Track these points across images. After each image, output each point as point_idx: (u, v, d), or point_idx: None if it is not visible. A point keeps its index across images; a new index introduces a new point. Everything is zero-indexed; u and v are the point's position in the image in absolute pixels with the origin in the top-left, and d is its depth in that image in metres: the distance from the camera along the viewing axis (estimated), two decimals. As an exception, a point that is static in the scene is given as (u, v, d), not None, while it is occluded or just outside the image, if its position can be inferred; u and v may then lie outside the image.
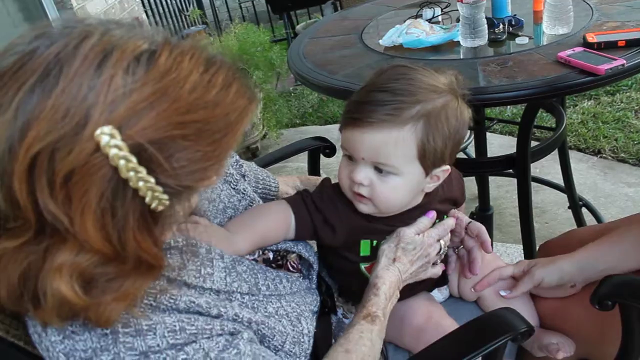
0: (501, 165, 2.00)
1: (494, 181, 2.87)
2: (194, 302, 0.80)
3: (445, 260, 1.21)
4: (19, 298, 0.67)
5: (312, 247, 1.14)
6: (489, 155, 2.45)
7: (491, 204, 2.29)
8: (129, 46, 0.63)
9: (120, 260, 0.66)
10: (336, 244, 1.08)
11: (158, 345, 0.73)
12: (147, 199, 0.64)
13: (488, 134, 2.66)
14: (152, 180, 0.63)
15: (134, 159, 0.61)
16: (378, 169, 0.99)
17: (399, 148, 0.97)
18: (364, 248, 1.09)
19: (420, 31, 1.83)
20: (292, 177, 1.34)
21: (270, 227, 1.04)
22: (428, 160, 0.99)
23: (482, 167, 2.07)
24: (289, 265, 1.08)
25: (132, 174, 0.61)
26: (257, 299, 0.92)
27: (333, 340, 1.07)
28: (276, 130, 3.59)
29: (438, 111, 0.97)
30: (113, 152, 0.60)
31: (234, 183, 1.10)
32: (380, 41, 1.87)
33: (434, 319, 1.14)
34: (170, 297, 0.78)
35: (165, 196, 0.65)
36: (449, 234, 1.13)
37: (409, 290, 1.12)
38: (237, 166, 1.15)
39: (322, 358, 0.95)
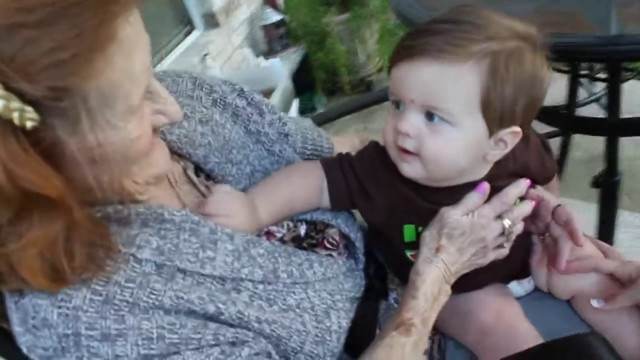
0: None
1: (631, 140, 2.48)
2: (182, 298, 0.68)
3: (527, 248, 0.99)
4: None
5: (355, 221, 0.96)
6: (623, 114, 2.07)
7: (623, 165, 1.93)
8: None
9: (11, 196, 0.55)
10: (377, 221, 0.91)
11: (127, 355, 0.63)
12: (5, 111, 0.52)
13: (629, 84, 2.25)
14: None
15: None
16: (429, 116, 0.79)
17: (458, 88, 0.76)
18: (408, 233, 0.90)
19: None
20: (351, 136, 1.15)
21: (297, 192, 0.88)
22: (493, 113, 0.77)
23: (614, 129, 1.73)
24: (326, 243, 0.91)
25: None
26: (275, 288, 0.79)
27: (377, 330, 0.92)
28: (393, 63, 3.36)
29: (509, 53, 0.75)
30: None
31: (268, 144, 0.95)
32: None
33: (505, 319, 0.94)
34: (152, 292, 0.67)
35: (29, 107, 0.54)
36: (518, 210, 0.89)
37: (471, 280, 0.92)
38: (280, 124, 0.98)
39: (361, 349, 0.81)
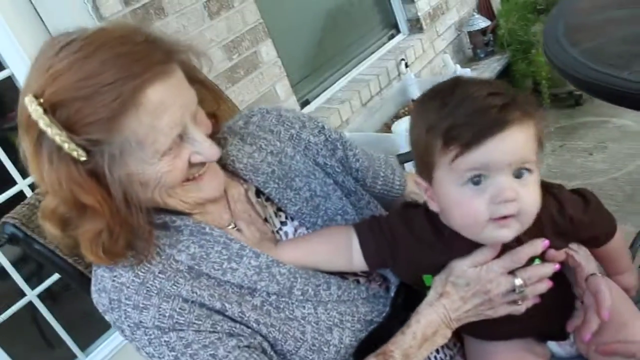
0: None
1: None
2: (196, 292, 0.88)
3: (569, 310, 0.99)
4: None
5: None
6: None
7: None
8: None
9: (72, 202, 0.82)
10: (401, 274, 1.01)
11: (146, 322, 0.86)
12: (65, 149, 0.79)
13: None
14: (64, 133, 0.78)
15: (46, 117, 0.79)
16: (518, 174, 0.84)
17: (533, 140, 0.85)
18: (428, 280, 0.96)
19: None
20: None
21: (322, 250, 1.00)
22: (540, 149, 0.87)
23: None
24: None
25: (47, 129, 0.78)
26: (286, 301, 0.93)
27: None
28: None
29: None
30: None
31: (334, 175, 1.09)
32: (662, 5, 1.45)
33: (521, 376, 0.96)
34: (175, 284, 0.88)
35: (81, 150, 0.80)
36: (532, 270, 0.90)
37: (493, 329, 0.96)
38: (353, 160, 1.11)
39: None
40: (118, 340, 2.14)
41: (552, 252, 0.92)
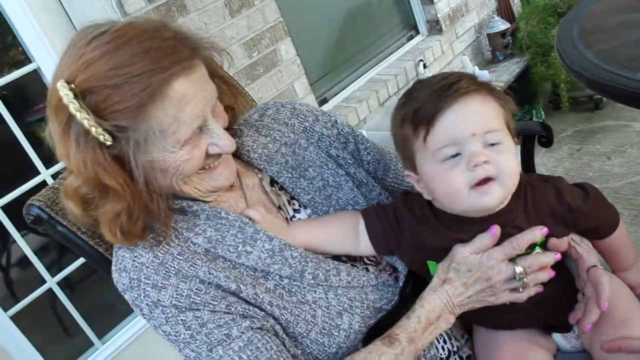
0: None
1: None
2: (212, 274, 0.92)
3: (573, 303, 1.01)
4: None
5: None
6: None
7: None
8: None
9: (95, 183, 0.87)
10: (406, 260, 1.04)
11: (164, 301, 0.90)
12: (93, 133, 0.83)
13: None
14: (92, 118, 0.83)
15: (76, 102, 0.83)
16: (487, 145, 0.90)
17: (496, 113, 0.93)
18: (433, 269, 0.99)
19: None
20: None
21: (331, 233, 1.04)
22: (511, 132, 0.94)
23: None
24: (365, 259, 1.06)
25: (77, 113, 0.83)
26: (298, 285, 0.97)
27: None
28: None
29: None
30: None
31: (345, 166, 1.13)
32: (677, 8, 1.46)
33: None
34: (192, 265, 0.92)
35: (107, 135, 0.84)
36: (533, 258, 0.93)
37: (496, 318, 1.00)
38: (364, 153, 1.15)
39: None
40: (134, 329, 2.19)
41: (553, 241, 0.95)
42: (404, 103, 0.96)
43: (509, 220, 0.93)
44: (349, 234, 1.03)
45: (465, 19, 3.51)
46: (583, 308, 0.99)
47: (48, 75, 1.91)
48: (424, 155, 0.93)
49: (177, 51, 0.87)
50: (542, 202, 0.94)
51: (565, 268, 1.02)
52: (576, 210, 0.96)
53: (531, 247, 0.94)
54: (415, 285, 1.07)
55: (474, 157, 0.89)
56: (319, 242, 1.03)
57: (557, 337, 1.05)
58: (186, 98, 0.87)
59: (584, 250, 0.99)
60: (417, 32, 3.41)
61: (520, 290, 0.94)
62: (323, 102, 2.87)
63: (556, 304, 1.00)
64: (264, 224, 0.99)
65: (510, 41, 3.48)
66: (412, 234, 0.99)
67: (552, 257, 0.94)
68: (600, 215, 0.99)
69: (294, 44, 2.60)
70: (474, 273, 0.93)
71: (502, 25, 3.46)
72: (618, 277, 1.05)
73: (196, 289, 0.91)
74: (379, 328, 0.99)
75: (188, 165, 0.92)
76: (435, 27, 3.37)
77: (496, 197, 0.90)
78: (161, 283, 0.90)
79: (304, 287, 0.97)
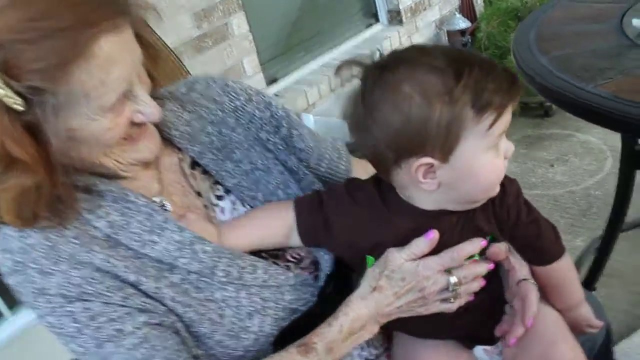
0: None
1: None
2: (109, 262, 0.82)
3: (499, 314, 0.97)
4: None
5: None
6: None
7: None
8: None
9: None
10: (341, 253, 0.95)
11: (50, 289, 0.80)
12: (1, 96, 0.72)
13: None
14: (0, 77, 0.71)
15: None
16: None
17: None
18: (370, 263, 0.92)
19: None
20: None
21: (265, 230, 0.96)
22: None
23: None
24: (288, 256, 0.99)
25: None
26: (207, 281, 0.88)
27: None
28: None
29: None
30: None
31: (276, 152, 1.04)
32: (635, 21, 1.43)
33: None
34: (89, 251, 0.82)
35: (18, 99, 0.72)
36: (469, 269, 0.88)
37: (417, 327, 0.94)
38: (297, 139, 1.07)
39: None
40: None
41: (495, 249, 0.90)
42: (451, 80, 0.79)
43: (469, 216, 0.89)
44: (283, 230, 0.96)
45: (427, 13, 3.47)
46: (510, 321, 0.95)
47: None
48: (479, 140, 0.81)
49: (105, 5, 0.77)
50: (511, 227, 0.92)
51: (496, 276, 0.97)
52: (513, 217, 0.91)
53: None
54: (336, 286, 1.00)
55: (510, 148, 0.85)
56: (255, 245, 0.96)
57: (479, 351, 1.01)
58: (113, 59, 0.77)
59: (516, 261, 0.95)
60: (377, 21, 3.35)
61: (452, 300, 0.89)
62: (273, 82, 2.80)
63: (483, 313, 0.96)
64: (195, 229, 0.91)
65: (470, 40, 3.46)
66: (351, 223, 0.91)
67: (486, 267, 0.90)
68: (542, 235, 0.93)
69: (248, 19, 2.51)
70: (407, 282, 0.87)
71: (463, 23, 3.44)
72: (565, 316, 0.99)
73: (90, 277, 0.81)
74: (291, 330, 0.92)
75: (110, 134, 0.82)
76: (396, 17, 3.32)
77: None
78: (50, 269, 0.80)
79: (213, 284, 0.88)
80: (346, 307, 0.88)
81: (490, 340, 0.99)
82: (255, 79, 2.56)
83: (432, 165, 0.82)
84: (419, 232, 0.87)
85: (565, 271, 0.98)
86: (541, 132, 3.30)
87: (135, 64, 0.83)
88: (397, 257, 0.87)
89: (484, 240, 0.89)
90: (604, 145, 2.89)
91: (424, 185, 0.84)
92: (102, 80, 0.77)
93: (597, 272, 1.85)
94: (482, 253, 0.91)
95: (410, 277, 0.87)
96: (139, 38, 0.88)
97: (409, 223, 0.88)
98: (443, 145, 0.81)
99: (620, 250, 1.85)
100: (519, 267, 0.94)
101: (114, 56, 0.77)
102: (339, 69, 0.88)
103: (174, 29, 2.20)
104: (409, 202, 0.88)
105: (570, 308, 1.00)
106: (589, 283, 1.87)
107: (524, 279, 0.93)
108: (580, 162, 2.91)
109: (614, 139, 2.25)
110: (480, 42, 3.40)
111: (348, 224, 0.92)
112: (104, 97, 0.78)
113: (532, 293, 0.92)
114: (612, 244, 1.80)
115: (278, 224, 0.96)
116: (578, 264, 1.84)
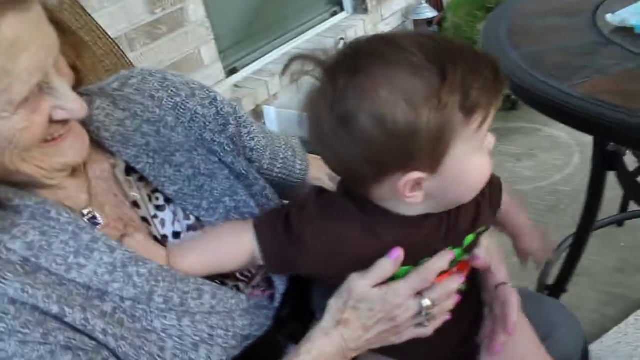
0: None
1: None
2: (27, 292, 0.70)
3: (477, 327, 0.89)
4: None
5: None
6: None
7: None
8: None
9: None
10: (319, 270, 0.84)
11: None
12: None
13: None
14: None
15: None
16: None
17: None
18: None
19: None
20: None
21: (223, 256, 0.85)
22: None
23: None
24: (238, 274, 0.88)
25: None
26: (144, 308, 0.77)
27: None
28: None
29: None
30: None
31: (221, 153, 0.93)
32: (609, 17, 1.36)
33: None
34: (2, 279, 0.70)
35: None
36: (441, 288, 0.80)
37: (400, 351, 0.85)
38: (247, 138, 0.96)
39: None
40: None
41: (480, 259, 0.84)
42: (435, 81, 0.68)
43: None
44: (244, 256, 0.84)
45: (393, 1, 3.39)
46: (491, 325, 0.88)
47: None
48: (469, 142, 0.72)
49: None
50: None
51: (473, 285, 0.90)
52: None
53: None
54: (294, 306, 0.91)
55: (492, 142, 0.77)
56: (213, 272, 0.85)
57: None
58: (20, 43, 0.65)
59: (495, 264, 0.88)
60: (342, 9, 3.26)
61: (426, 324, 0.80)
62: (232, 72, 2.68)
63: (463, 328, 0.89)
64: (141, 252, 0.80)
65: (436, 30, 3.38)
66: (332, 241, 0.79)
67: (459, 281, 0.82)
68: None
69: (205, 4, 2.38)
70: (376, 313, 0.77)
71: (429, 12, 3.37)
72: (525, 242, 0.99)
73: (3, 311, 0.68)
74: (244, 358, 0.82)
75: (26, 135, 0.70)
76: (361, 5, 3.22)
77: None
78: None
79: (151, 312, 0.77)
80: (308, 344, 0.78)
81: (467, 356, 0.91)
82: (213, 68, 2.44)
83: (420, 179, 0.73)
84: (404, 240, 0.77)
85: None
86: (509, 126, 3.25)
87: (50, 50, 0.70)
88: (362, 285, 0.77)
89: (452, 253, 0.80)
90: (571, 140, 2.86)
91: (409, 199, 0.74)
92: (6, 69, 0.65)
93: (569, 273, 1.80)
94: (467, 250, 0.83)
95: (379, 307, 0.77)
96: (57, 24, 0.75)
97: (392, 230, 0.78)
98: (432, 155, 0.71)
99: (589, 248, 1.81)
100: (497, 270, 0.87)
101: (21, 39, 0.66)
102: (286, 67, 0.75)
103: (124, 14, 2.06)
104: (389, 210, 0.78)
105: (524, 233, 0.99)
106: (560, 283, 1.82)
107: (503, 283, 0.87)
108: (548, 156, 2.87)
109: (581, 134, 2.21)
110: (447, 32, 3.33)
111: (326, 241, 0.80)
112: (12, 89, 0.66)
113: (513, 297, 0.85)
114: (584, 245, 1.75)
115: (237, 250, 0.85)
116: (548, 263, 1.79)
